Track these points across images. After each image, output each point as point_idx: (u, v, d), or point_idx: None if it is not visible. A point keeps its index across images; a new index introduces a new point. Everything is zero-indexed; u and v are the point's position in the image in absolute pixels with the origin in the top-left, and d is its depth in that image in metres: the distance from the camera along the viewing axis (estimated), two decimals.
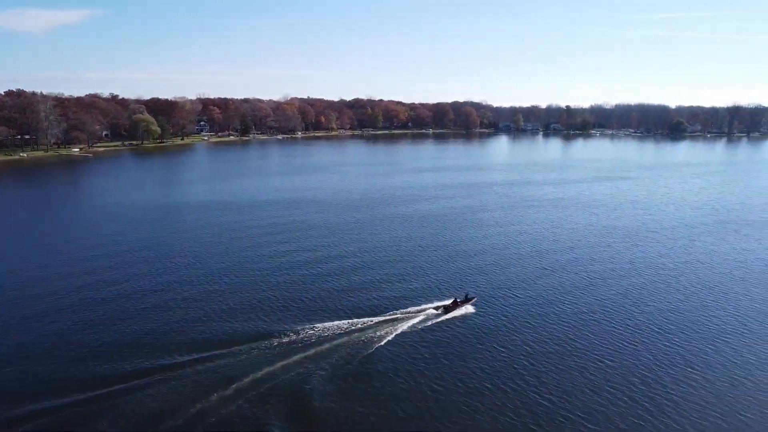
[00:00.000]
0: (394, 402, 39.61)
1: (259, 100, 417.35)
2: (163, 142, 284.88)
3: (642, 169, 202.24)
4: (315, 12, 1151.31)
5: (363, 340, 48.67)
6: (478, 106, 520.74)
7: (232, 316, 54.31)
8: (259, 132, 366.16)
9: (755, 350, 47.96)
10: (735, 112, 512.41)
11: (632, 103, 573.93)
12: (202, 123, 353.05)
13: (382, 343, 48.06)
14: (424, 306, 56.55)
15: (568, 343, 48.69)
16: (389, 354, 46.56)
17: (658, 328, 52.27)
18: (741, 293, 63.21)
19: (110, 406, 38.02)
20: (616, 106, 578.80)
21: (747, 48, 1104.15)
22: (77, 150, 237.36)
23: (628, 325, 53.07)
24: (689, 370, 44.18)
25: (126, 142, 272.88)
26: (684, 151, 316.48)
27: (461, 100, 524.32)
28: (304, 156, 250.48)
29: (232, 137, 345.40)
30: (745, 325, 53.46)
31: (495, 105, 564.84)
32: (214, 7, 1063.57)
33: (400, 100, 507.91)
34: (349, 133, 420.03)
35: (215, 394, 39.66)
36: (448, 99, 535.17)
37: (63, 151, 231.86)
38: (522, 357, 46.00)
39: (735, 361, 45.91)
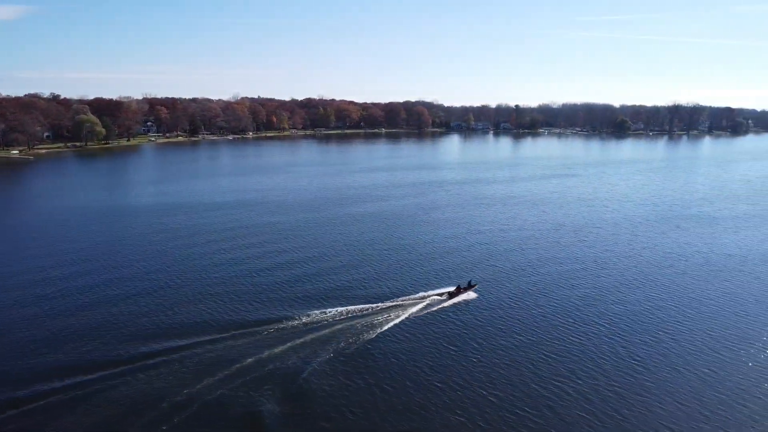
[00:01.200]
0: (395, 385, 42.16)
1: (209, 100, 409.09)
2: (109, 144, 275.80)
3: (588, 167, 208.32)
4: (264, 11, 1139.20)
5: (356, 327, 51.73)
6: (429, 106, 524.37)
7: (234, 304, 56.61)
8: (209, 132, 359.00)
9: (694, 340, 49.95)
10: (675, 111, 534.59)
11: (578, 103, 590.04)
12: (149, 123, 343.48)
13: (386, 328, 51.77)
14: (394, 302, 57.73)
15: (528, 337, 49.80)
16: (393, 337, 50.16)
17: (602, 321, 53.84)
18: (682, 286, 65.79)
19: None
20: (563, 105, 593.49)
21: (686, 49, 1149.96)
22: (17, 152, 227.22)
23: (574, 318, 54.49)
24: (631, 361, 45.67)
25: (69, 144, 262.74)
26: (628, 149, 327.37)
27: (413, 99, 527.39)
28: (256, 156, 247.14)
29: (180, 138, 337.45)
30: (685, 315, 55.68)
31: (446, 105, 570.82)
32: (158, 5, 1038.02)
33: (352, 99, 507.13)
34: (301, 133, 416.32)
35: (214, 377, 41.89)
36: (400, 99, 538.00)
37: (1, 153, 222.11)
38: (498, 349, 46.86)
39: (675, 351, 47.70)
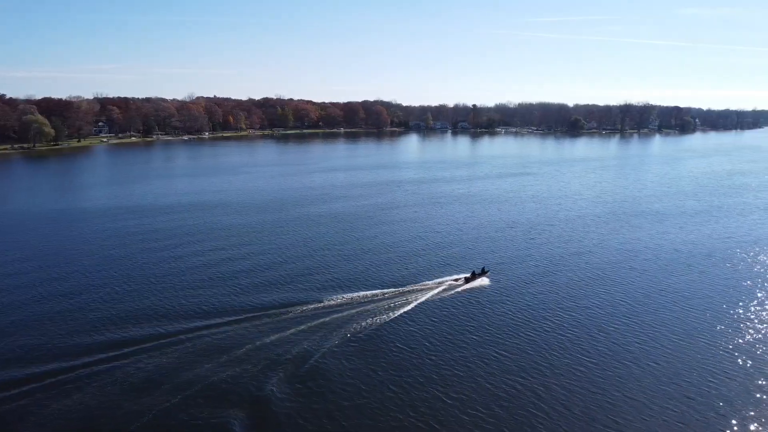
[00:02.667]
0: (407, 366, 44.83)
1: (163, 100, 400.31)
2: (58, 145, 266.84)
3: (543, 165, 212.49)
4: (220, 9, 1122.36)
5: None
6: (388, 106, 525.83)
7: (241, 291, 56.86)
8: (164, 133, 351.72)
9: (641, 334, 51.52)
10: (626, 110, 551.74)
11: (534, 102, 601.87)
12: (100, 124, 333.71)
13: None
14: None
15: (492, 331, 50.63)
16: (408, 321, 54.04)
17: (553, 318, 55.05)
18: (631, 281, 67.76)
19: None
20: (519, 105, 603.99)
21: (637, 50, 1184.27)
22: None
23: (525, 314, 55.65)
24: (579, 357, 46.85)
25: (16, 145, 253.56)
26: (582, 148, 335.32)
27: (371, 99, 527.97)
28: (212, 157, 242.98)
29: (134, 138, 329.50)
30: (634, 310, 57.40)
31: (405, 104, 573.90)
32: (109, 2, 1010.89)
33: (311, 99, 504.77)
34: (259, 133, 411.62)
35: (222, 359, 44.87)
36: (359, 98, 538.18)
37: None
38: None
39: (622, 345, 49.16)
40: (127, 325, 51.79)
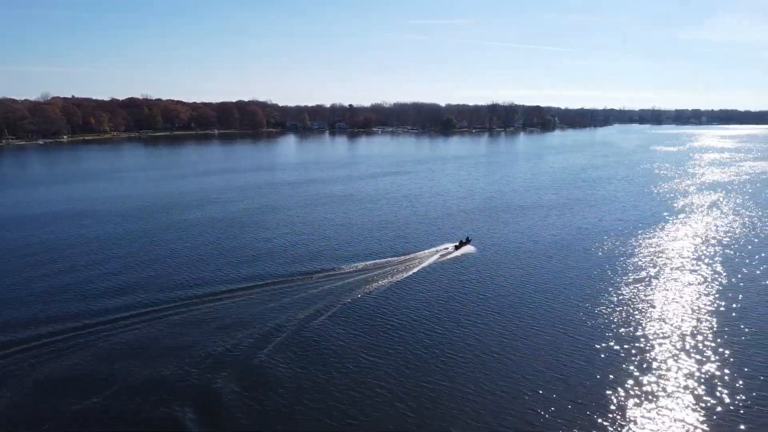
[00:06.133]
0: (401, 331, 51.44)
1: (13, 101, 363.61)
2: None
3: (419, 164, 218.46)
4: (74, 2, 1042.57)
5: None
6: (263, 106, 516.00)
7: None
8: (14, 137, 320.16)
9: (520, 322, 54.20)
10: (493, 110, 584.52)
11: (408, 102, 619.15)
12: None
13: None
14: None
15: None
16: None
17: (412, 316, 56.42)
18: (499, 274, 71.16)
19: None
20: (394, 104, 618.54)
21: (500, 52, 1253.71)
22: None
23: (400, 310, 56.20)
24: (453, 355, 48.48)
25: None
26: (454, 146, 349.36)
27: (246, 99, 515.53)
28: (73, 162, 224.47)
29: None
30: (502, 301, 60.31)
31: (281, 104, 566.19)
32: None
33: (181, 99, 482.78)
34: (125, 135, 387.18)
35: (213, 332, 49.82)
36: (233, 98, 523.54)
37: None
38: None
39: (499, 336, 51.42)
40: None
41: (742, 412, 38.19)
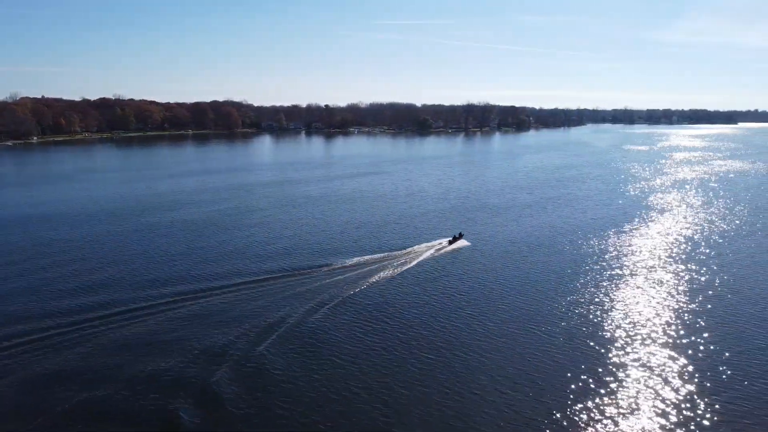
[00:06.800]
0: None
1: None
2: None
3: (395, 164, 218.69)
4: (43, 1, 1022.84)
5: None
6: (239, 106, 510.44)
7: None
8: None
9: (490, 322, 54.67)
10: (469, 110, 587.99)
11: (384, 102, 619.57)
12: None
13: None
14: None
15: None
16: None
17: (391, 314, 56.53)
18: (472, 275, 71.62)
19: None
20: (370, 105, 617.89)
21: (476, 52, 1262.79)
22: None
23: (370, 310, 56.11)
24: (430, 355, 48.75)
25: None
26: (430, 146, 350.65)
27: (221, 99, 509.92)
28: (44, 164, 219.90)
29: None
30: (473, 302, 60.68)
31: (256, 105, 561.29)
32: None
33: (154, 99, 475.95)
34: (97, 136, 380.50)
35: (206, 328, 50.82)
36: (207, 98, 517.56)
37: None
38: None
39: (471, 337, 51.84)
40: None
41: (717, 407, 39.05)
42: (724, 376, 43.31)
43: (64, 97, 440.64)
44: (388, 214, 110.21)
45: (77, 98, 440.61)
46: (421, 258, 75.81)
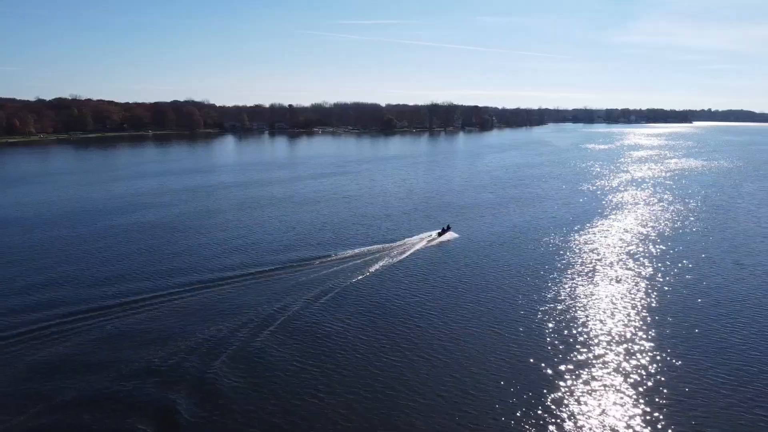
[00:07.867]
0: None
1: None
2: None
3: (360, 164, 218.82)
4: None
5: None
6: (200, 106, 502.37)
7: None
8: None
9: (465, 320, 55.00)
10: (433, 110, 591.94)
11: (349, 102, 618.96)
12: None
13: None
14: None
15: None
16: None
17: (370, 315, 56.56)
18: (435, 273, 71.94)
19: None
20: (335, 105, 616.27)
21: (439, 53, 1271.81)
22: None
23: (346, 309, 56.28)
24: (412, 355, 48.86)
25: None
26: (395, 146, 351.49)
27: (182, 99, 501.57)
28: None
29: None
30: (440, 302, 61.07)
31: (218, 104, 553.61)
32: None
33: (112, 99, 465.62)
34: (53, 137, 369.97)
35: (198, 321, 51.78)
36: (168, 98, 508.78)
37: None
38: None
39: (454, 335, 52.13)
40: None
41: (686, 403, 40.15)
42: (679, 368, 44.74)
43: (18, 98, 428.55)
44: (376, 209, 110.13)
45: (32, 98, 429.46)
46: (413, 249, 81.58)
